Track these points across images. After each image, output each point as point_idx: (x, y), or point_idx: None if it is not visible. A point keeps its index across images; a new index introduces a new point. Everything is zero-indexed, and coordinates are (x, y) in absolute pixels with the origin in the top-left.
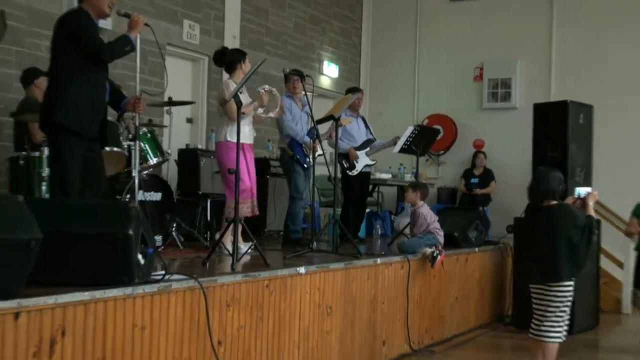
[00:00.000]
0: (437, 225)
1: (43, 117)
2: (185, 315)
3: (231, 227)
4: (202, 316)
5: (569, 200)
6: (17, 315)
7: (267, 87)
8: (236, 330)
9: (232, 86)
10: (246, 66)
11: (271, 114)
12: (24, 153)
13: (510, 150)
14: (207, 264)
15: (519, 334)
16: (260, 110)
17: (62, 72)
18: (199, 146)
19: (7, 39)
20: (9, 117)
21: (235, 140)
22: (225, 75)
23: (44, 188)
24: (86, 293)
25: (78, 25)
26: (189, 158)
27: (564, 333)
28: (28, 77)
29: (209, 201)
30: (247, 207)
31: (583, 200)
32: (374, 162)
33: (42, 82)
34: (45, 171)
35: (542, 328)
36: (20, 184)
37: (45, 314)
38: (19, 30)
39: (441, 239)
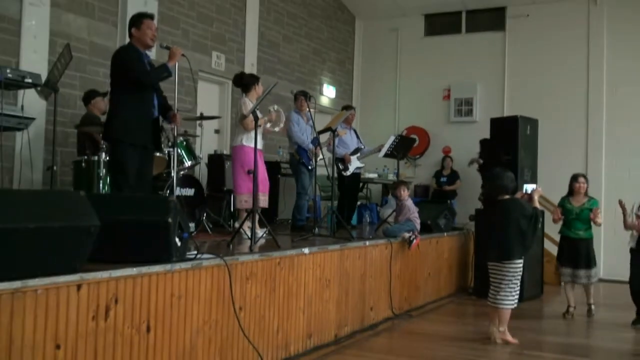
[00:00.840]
0: (416, 214)
1: (105, 131)
2: (213, 286)
3: (249, 215)
4: (227, 287)
5: (518, 195)
6: (79, 287)
7: (276, 107)
8: (254, 298)
9: (249, 104)
10: (259, 87)
11: (276, 129)
12: (85, 157)
13: (472, 155)
14: (231, 246)
15: (479, 302)
16: (268, 125)
17: (118, 95)
18: (225, 152)
19: (71, 66)
20: (74, 129)
21: (249, 145)
22: (242, 96)
23: (101, 185)
24: (134, 269)
25: (125, 58)
26: (216, 161)
27: (516, 301)
28: (88, 97)
29: (232, 195)
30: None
31: (530, 195)
32: (363, 165)
33: (99, 102)
34: (102, 172)
35: (498, 297)
36: (82, 182)
37: (101, 286)
38: (81, 60)
39: (417, 226)
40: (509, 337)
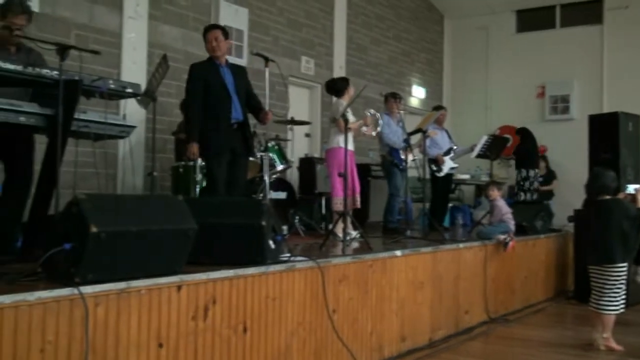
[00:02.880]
0: (510, 216)
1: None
2: (307, 288)
3: (341, 218)
4: (320, 289)
5: (620, 196)
6: (179, 288)
7: (372, 111)
8: (347, 300)
9: (342, 107)
10: (351, 89)
11: (373, 133)
12: (182, 163)
13: (569, 154)
14: (323, 248)
15: (580, 306)
16: (364, 129)
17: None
18: (315, 155)
19: (168, 75)
20: (171, 135)
21: (343, 147)
22: (335, 98)
23: (197, 189)
24: (231, 271)
25: (189, 74)
26: (307, 165)
27: (622, 306)
28: (184, 105)
29: (323, 198)
30: (350, 202)
31: (633, 196)
32: (457, 165)
33: None
34: (199, 177)
35: (601, 302)
36: (180, 186)
37: (200, 287)
38: (177, 69)
39: (513, 228)
40: (613, 344)
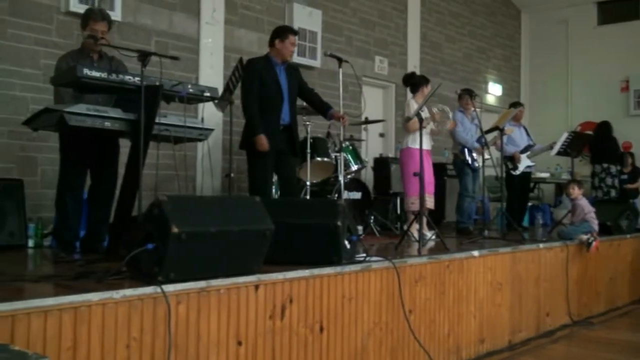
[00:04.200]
0: (593, 215)
1: (240, 140)
2: (383, 289)
3: (417, 218)
4: (396, 290)
5: None
6: (257, 287)
7: (440, 106)
8: (423, 301)
9: (414, 105)
10: (427, 89)
11: (445, 128)
12: None
13: None
14: (399, 248)
15: None
16: (433, 126)
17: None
18: (390, 155)
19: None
20: None
21: (415, 147)
22: (409, 95)
23: (273, 190)
24: (307, 271)
25: (247, 71)
26: (382, 165)
27: None
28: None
29: (398, 198)
30: (427, 202)
31: None
32: (534, 164)
33: None
34: (275, 177)
35: None
36: None
37: (277, 286)
38: None
39: (596, 227)
40: None
